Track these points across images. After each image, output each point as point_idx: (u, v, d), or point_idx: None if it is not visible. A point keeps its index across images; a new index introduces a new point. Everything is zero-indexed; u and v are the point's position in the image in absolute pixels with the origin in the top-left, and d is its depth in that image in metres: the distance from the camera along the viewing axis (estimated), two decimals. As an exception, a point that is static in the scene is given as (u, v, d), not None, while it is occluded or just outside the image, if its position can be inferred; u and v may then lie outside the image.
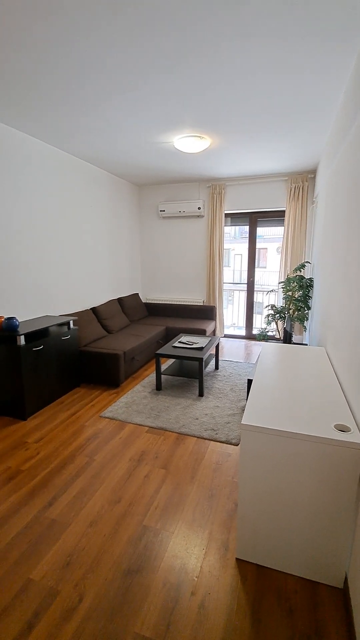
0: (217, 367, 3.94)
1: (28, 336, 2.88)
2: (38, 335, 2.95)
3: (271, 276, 6.07)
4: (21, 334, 2.64)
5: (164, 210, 5.21)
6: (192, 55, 1.86)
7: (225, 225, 5.09)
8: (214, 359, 4.11)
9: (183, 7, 1.50)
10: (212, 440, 2.47)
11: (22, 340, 2.66)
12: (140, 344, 3.79)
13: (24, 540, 1.61)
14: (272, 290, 4.64)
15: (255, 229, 5.08)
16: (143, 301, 5.66)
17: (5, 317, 2.93)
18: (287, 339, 3.89)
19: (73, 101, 2.40)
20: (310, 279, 3.91)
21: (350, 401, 1.57)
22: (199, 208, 5.00)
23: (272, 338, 4.91)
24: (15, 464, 2.19)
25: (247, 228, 5.14)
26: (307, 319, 3.97)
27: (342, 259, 2.03)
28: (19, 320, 3.10)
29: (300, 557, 1.40)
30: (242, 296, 5.50)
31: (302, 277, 3.91)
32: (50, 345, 2.96)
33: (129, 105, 2.48)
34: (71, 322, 3.28)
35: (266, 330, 4.32)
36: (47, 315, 3.39)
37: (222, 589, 1.37)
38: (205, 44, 1.76)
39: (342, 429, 1.33)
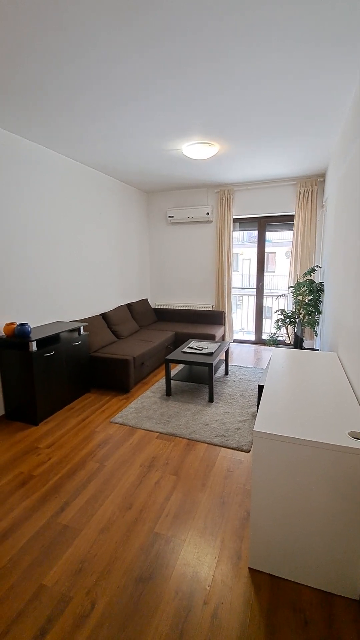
0: (226, 373, 3.92)
1: (40, 342, 2.93)
2: (49, 341, 2.99)
3: (280, 280, 6.04)
4: (33, 340, 2.67)
5: (172, 216, 5.25)
6: (199, 63, 1.89)
7: (233, 230, 5.10)
8: (224, 364, 4.09)
9: (190, 15, 1.53)
10: (222, 446, 2.45)
11: (34, 346, 2.69)
12: (150, 350, 3.80)
13: (36, 546, 1.62)
14: (281, 295, 4.61)
15: (264, 234, 5.07)
16: (152, 307, 5.68)
17: (18, 323, 2.98)
18: (297, 344, 3.85)
19: (82, 110, 2.44)
20: (321, 283, 3.87)
21: (364, 408, 1.54)
22: (208, 213, 5.02)
23: (282, 343, 4.87)
24: (28, 469, 2.21)
25: (255, 232, 5.14)
26: (318, 324, 3.93)
27: (355, 263, 2.01)
28: (31, 327, 3.15)
29: (314, 568, 1.37)
30: (251, 301, 5.48)
31: (312, 282, 3.88)
32: (61, 351, 3.00)
33: (137, 114, 2.52)
34: (81, 328, 3.31)
35: (276, 335, 4.29)
36: (58, 322, 3.43)
37: (235, 599, 1.36)
38: (212, 51, 1.78)
39: (357, 436, 1.31)
